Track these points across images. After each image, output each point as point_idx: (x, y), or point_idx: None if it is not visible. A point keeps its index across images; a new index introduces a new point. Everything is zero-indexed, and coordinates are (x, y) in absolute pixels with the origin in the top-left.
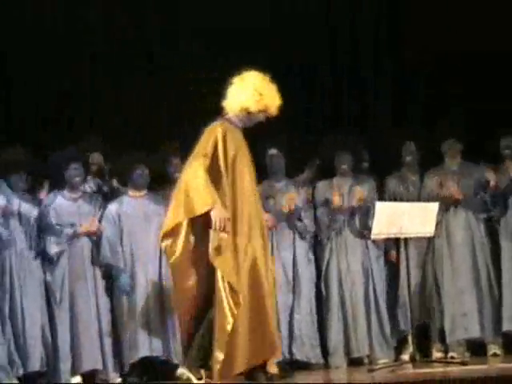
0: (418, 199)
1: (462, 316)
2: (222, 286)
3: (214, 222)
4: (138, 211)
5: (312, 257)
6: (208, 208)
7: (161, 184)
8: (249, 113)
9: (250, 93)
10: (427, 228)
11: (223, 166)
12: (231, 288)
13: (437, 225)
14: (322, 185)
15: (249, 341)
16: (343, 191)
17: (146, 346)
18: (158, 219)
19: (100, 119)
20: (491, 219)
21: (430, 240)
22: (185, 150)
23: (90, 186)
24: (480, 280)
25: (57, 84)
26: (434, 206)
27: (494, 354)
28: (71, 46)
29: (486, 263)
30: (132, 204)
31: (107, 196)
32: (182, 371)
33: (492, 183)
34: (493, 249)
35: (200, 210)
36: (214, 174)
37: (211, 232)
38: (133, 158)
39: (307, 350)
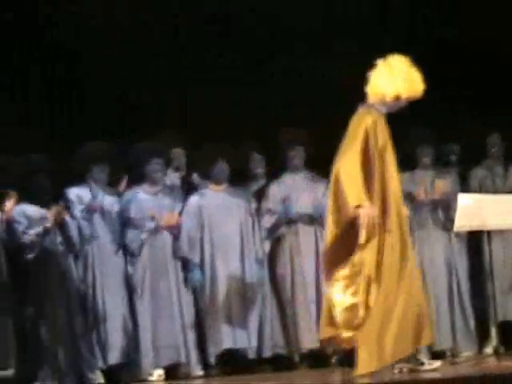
0: (504, 191)
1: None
2: None
3: (363, 220)
4: (219, 204)
5: None
6: (360, 203)
7: (241, 179)
8: (398, 99)
9: (402, 79)
10: (472, 221)
11: (374, 158)
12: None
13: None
14: (404, 178)
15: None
16: (425, 184)
17: (229, 337)
18: (239, 212)
19: (180, 113)
20: None
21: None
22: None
23: (170, 179)
24: None
25: (131, 77)
26: (479, 198)
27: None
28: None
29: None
30: (213, 197)
31: (188, 190)
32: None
33: None
34: None
35: (352, 203)
36: (364, 166)
37: (360, 228)
38: (214, 151)
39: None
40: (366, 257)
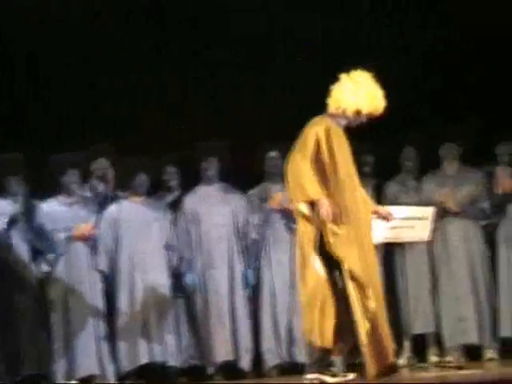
0: (418, 204)
1: (460, 321)
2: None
3: (321, 214)
4: (137, 217)
5: None
6: (319, 197)
7: (157, 190)
8: (358, 114)
9: (364, 94)
10: (423, 233)
11: (326, 163)
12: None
13: (434, 230)
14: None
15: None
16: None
17: (145, 352)
18: (157, 224)
19: (108, 124)
20: (489, 226)
21: (427, 245)
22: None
23: (88, 190)
24: (478, 286)
25: (58, 88)
26: (429, 211)
27: (490, 359)
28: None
29: (483, 269)
30: (131, 209)
31: (106, 201)
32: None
33: (496, 190)
34: (490, 255)
35: (313, 196)
36: (316, 170)
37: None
38: (135, 163)
39: (306, 352)
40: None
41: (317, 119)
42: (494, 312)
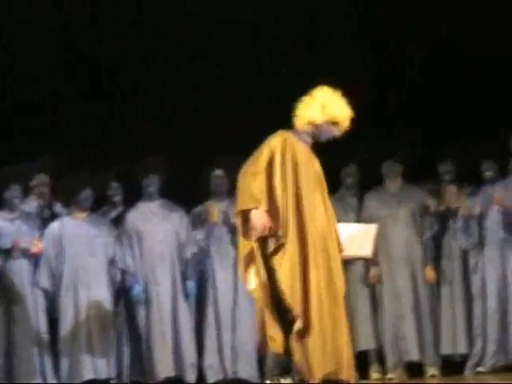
0: (357, 221)
1: (402, 339)
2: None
3: (252, 224)
4: (80, 233)
5: None
6: (253, 206)
7: (101, 206)
8: (316, 126)
9: (316, 105)
10: (365, 249)
11: (279, 174)
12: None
13: (376, 246)
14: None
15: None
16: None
17: (89, 368)
18: (100, 240)
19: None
20: (431, 241)
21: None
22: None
23: (30, 206)
24: (420, 302)
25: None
26: (372, 228)
27: (432, 376)
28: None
29: (426, 285)
30: (74, 226)
31: (48, 218)
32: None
33: (432, 209)
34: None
35: (246, 205)
36: (269, 179)
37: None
38: (79, 178)
39: (250, 368)
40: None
41: (277, 132)
42: (436, 329)
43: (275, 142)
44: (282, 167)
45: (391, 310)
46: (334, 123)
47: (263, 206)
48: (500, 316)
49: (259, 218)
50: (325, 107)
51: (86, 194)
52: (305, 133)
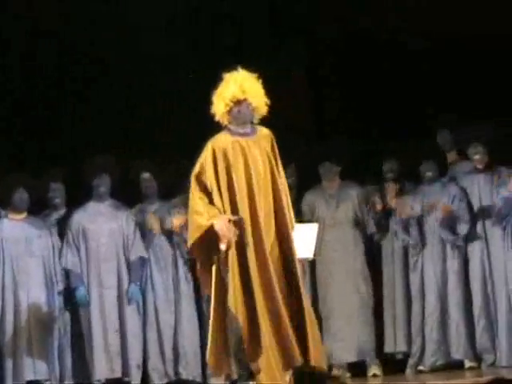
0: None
1: (341, 340)
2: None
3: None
4: (19, 234)
5: (190, 275)
6: (190, 243)
7: (43, 208)
8: (226, 114)
9: (215, 96)
10: (306, 250)
11: (214, 182)
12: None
13: (316, 247)
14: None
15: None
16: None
17: (30, 370)
18: (39, 242)
19: None
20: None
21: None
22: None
23: None
24: (363, 302)
25: None
26: (313, 227)
27: (374, 375)
28: None
29: (367, 286)
30: (12, 227)
31: None
32: None
33: (378, 207)
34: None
35: (190, 241)
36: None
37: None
38: (14, 180)
39: (192, 369)
40: None
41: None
42: (378, 328)
43: (202, 157)
44: (215, 176)
45: (333, 310)
46: (227, 103)
47: (219, 217)
48: (439, 315)
49: (221, 226)
50: (217, 94)
51: (20, 196)
52: (228, 126)
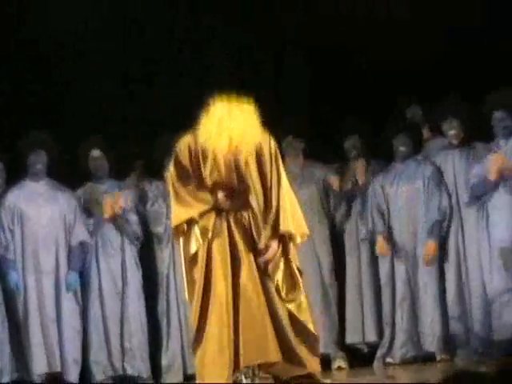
0: None
1: None
2: None
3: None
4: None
5: (139, 263)
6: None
7: None
8: None
9: None
10: None
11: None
12: None
13: None
14: None
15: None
16: None
17: None
18: None
19: None
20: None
21: None
22: None
23: None
24: (327, 294)
25: None
26: None
27: (339, 368)
28: None
29: (331, 279)
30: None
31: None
32: None
33: (335, 189)
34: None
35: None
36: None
37: None
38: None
39: (139, 364)
40: None
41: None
42: (342, 320)
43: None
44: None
45: None
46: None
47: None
48: (409, 305)
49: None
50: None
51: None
52: None
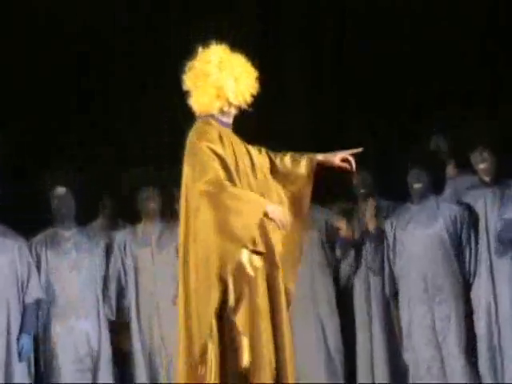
0: None
1: None
2: None
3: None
4: None
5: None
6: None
7: None
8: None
9: None
10: None
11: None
12: None
13: None
14: None
15: None
16: None
17: None
18: None
19: None
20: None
21: None
22: None
23: None
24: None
25: None
26: None
27: None
28: None
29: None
30: None
31: None
32: None
33: (342, 233)
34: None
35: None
36: None
37: None
38: None
39: None
40: None
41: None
42: None
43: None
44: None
45: None
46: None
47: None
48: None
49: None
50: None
51: None
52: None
